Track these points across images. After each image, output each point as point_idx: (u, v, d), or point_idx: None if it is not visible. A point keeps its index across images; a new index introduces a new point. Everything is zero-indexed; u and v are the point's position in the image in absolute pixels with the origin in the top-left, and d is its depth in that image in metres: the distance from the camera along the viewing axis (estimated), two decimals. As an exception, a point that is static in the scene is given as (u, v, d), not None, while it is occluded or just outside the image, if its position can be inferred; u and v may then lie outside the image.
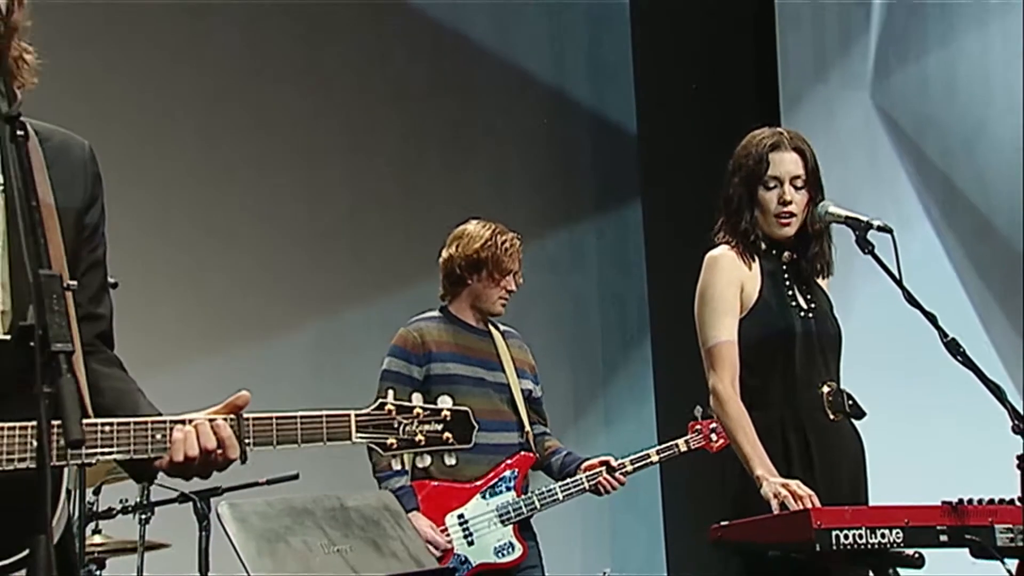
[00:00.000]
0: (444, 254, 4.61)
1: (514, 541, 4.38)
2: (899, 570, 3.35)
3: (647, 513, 6.80)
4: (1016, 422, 3.19)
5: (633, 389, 7.08)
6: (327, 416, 2.33)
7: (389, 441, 2.38)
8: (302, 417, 2.31)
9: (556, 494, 4.46)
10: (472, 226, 4.60)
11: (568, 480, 4.51)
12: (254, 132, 6.31)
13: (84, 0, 5.57)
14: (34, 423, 2.06)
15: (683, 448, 4.64)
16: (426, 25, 6.99)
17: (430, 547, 4.19)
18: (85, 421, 2.10)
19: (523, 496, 4.43)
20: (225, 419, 2.25)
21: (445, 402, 2.45)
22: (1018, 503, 3.27)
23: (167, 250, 5.61)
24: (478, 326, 4.56)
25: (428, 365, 4.40)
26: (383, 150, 6.71)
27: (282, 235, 6.32)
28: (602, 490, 4.51)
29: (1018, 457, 3.16)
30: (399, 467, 4.31)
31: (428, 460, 2.58)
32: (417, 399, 2.45)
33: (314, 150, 6.49)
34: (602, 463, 4.50)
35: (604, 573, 5.92)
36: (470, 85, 7.12)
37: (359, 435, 2.37)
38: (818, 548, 3.10)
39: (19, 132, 2.11)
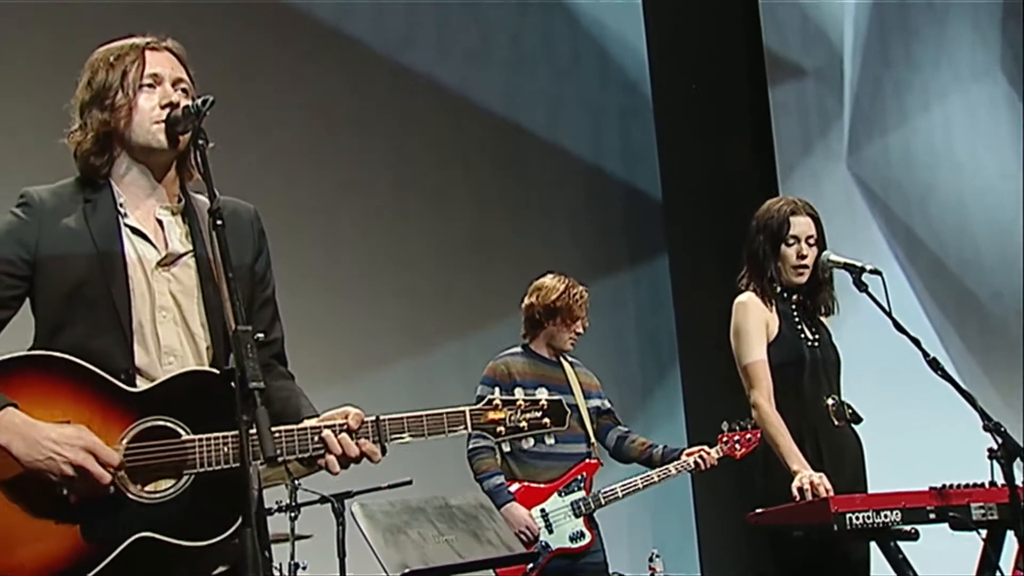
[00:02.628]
0: (526, 301, 4.55)
1: (584, 530, 4.34)
2: (899, 543, 3.32)
3: (680, 505, 6.79)
4: (986, 422, 3.19)
5: (666, 407, 7.04)
6: (447, 413, 2.31)
7: (498, 429, 2.35)
8: (427, 415, 2.29)
9: (617, 492, 4.42)
10: (549, 279, 4.54)
11: (668, 466, 4.47)
12: (361, 207, 6.37)
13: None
14: (234, 433, 2.14)
15: (716, 456, 4.54)
16: (492, 119, 7.02)
17: (528, 530, 4.22)
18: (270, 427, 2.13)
19: (590, 494, 4.38)
20: (367, 422, 2.24)
21: (542, 393, 2.42)
22: (988, 486, 3.29)
23: (296, 305, 5.63)
24: (552, 359, 4.49)
25: (512, 391, 4.30)
26: (462, 220, 6.74)
27: (383, 290, 6.32)
28: (704, 466, 4.46)
29: (988, 450, 3.20)
30: (495, 470, 4.32)
31: (532, 442, 2.53)
32: (519, 392, 2.42)
33: (407, 220, 6.51)
34: (700, 449, 4.51)
35: (654, 553, 5.93)
36: (528, 166, 7.15)
37: (473, 425, 2.32)
38: (835, 528, 3.12)
39: (218, 222, 2.16)
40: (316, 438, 2.20)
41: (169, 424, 2.17)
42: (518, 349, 4.52)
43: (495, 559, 3.82)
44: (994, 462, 3.20)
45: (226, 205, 2.38)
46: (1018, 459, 3.17)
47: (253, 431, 2.02)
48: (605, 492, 4.39)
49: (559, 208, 7.17)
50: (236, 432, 2.13)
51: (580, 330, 4.51)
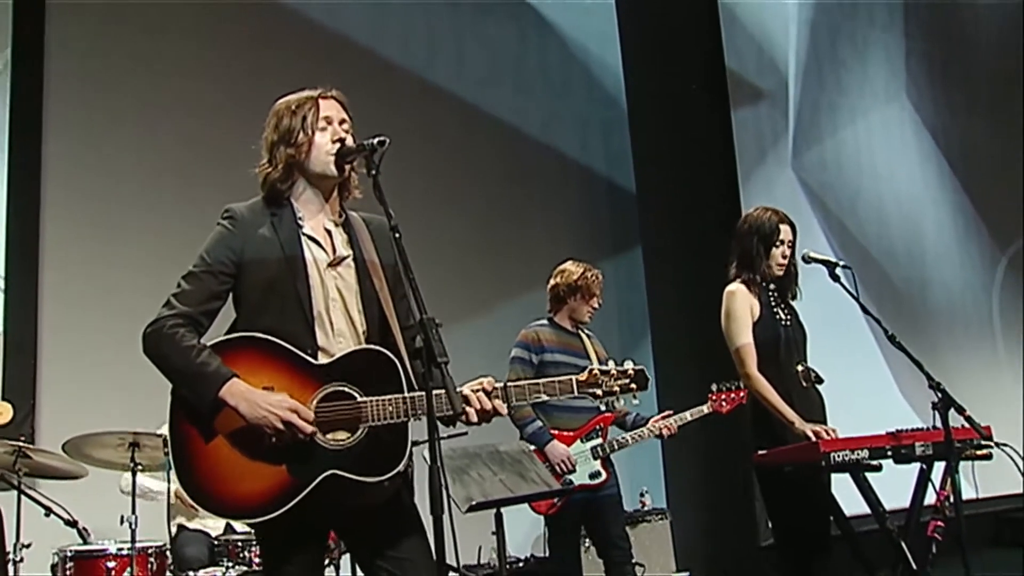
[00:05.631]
0: (551, 282, 4.59)
1: (600, 470, 4.44)
2: (866, 473, 3.62)
3: (652, 453, 6.92)
4: (930, 382, 3.50)
5: (639, 370, 7.16)
6: (559, 382, 2.50)
7: (597, 392, 2.53)
8: (544, 382, 2.50)
9: (627, 441, 4.54)
10: (570, 264, 4.62)
11: (636, 431, 4.58)
12: (394, 206, 6.43)
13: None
14: (403, 396, 2.36)
15: (706, 411, 4.64)
16: (500, 130, 7.05)
17: (568, 461, 4.33)
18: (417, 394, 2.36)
19: (606, 441, 4.48)
20: (496, 388, 2.43)
21: (628, 363, 2.58)
22: (929, 430, 3.62)
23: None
24: (572, 329, 4.55)
25: (542, 355, 4.39)
26: (477, 216, 6.77)
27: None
28: (665, 434, 4.58)
29: (932, 403, 3.50)
30: (533, 416, 4.35)
31: (622, 402, 2.61)
32: (611, 364, 2.56)
33: (431, 217, 6.49)
34: (664, 417, 4.61)
35: (644, 490, 6.09)
36: (530, 169, 7.18)
37: (580, 390, 2.52)
38: (823, 464, 3.42)
39: (397, 235, 2.40)
40: (461, 397, 2.40)
41: (347, 389, 2.40)
42: (544, 321, 4.58)
43: (537, 493, 3.98)
44: (935, 412, 3.47)
45: (372, 220, 2.64)
46: (952, 409, 3.45)
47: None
48: (619, 439, 4.52)
49: (555, 205, 7.20)
50: (399, 395, 2.38)
51: (596, 305, 4.57)
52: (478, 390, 2.45)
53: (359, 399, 2.39)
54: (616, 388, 2.56)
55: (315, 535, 2.53)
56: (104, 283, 5.49)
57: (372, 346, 2.48)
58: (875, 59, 8.29)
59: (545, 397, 2.50)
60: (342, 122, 2.58)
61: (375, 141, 2.44)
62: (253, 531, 2.56)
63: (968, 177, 8.61)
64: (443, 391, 2.29)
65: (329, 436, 2.39)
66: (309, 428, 2.36)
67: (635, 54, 7.53)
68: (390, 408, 2.39)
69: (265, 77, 6.00)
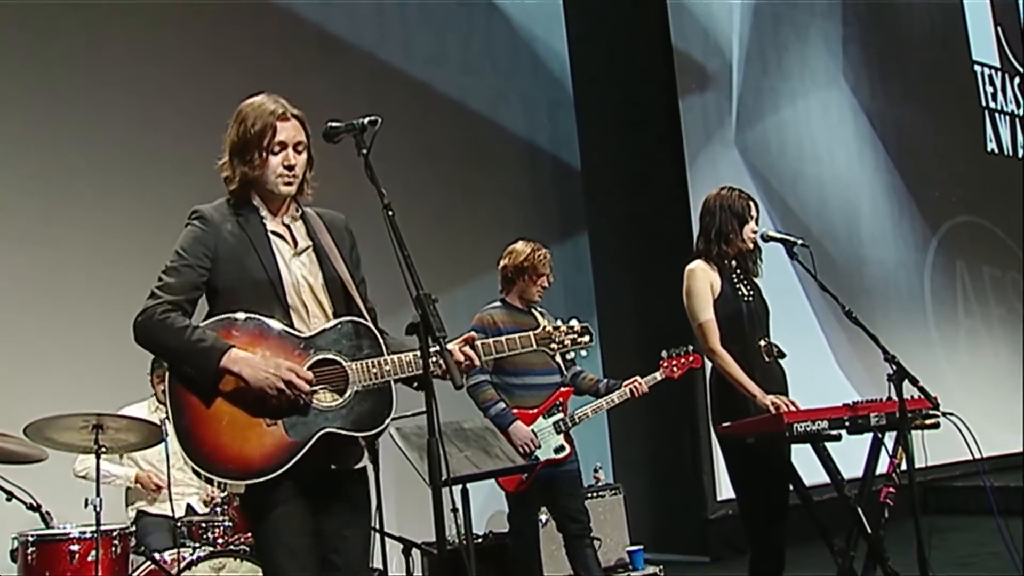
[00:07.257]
0: (501, 263, 4.65)
1: (564, 444, 4.53)
2: (825, 443, 3.74)
3: (598, 428, 7.02)
4: (886, 356, 3.63)
5: (586, 346, 7.25)
6: (519, 336, 2.76)
7: (552, 345, 2.78)
8: (506, 339, 2.72)
9: (587, 413, 4.65)
10: (519, 244, 4.66)
11: (611, 393, 4.69)
12: (344, 186, 6.44)
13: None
14: (386, 358, 2.56)
15: (659, 377, 4.77)
16: (449, 109, 7.05)
17: (531, 443, 4.42)
18: (399, 355, 2.56)
19: (567, 415, 4.56)
20: (466, 344, 2.62)
21: (573, 321, 2.82)
22: (884, 401, 3.75)
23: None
24: (524, 309, 4.60)
25: (498, 336, 4.46)
26: (428, 197, 6.74)
27: (366, 260, 6.41)
28: (637, 394, 4.71)
29: (887, 375, 3.64)
30: (496, 398, 4.44)
31: (572, 355, 2.82)
32: (559, 322, 2.81)
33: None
34: (634, 381, 4.73)
35: (597, 465, 6.24)
36: (479, 149, 7.19)
37: (538, 344, 2.76)
38: (787, 434, 3.55)
39: (390, 213, 2.50)
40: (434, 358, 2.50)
41: (332, 356, 2.59)
42: (497, 303, 4.62)
43: (502, 469, 4.04)
44: (890, 384, 3.61)
45: (325, 214, 2.81)
46: (906, 380, 3.61)
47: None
48: (579, 413, 4.62)
49: (503, 187, 7.22)
50: (383, 357, 2.57)
51: (546, 284, 4.62)
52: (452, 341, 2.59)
53: (345, 364, 2.58)
54: (567, 342, 2.80)
55: (306, 502, 2.61)
56: (47, 265, 5.42)
57: (350, 317, 2.66)
58: (815, 43, 8.53)
59: (508, 352, 2.73)
60: (298, 144, 2.69)
61: (365, 121, 2.53)
62: (249, 500, 2.64)
63: (901, 160, 8.93)
64: (436, 353, 2.42)
65: (320, 399, 2.57)
66: (308, 387, 2.52)
67: (581, 36, 7.61)
68: (375, 370, 2.57)
69: (214, 57, 5.97)
